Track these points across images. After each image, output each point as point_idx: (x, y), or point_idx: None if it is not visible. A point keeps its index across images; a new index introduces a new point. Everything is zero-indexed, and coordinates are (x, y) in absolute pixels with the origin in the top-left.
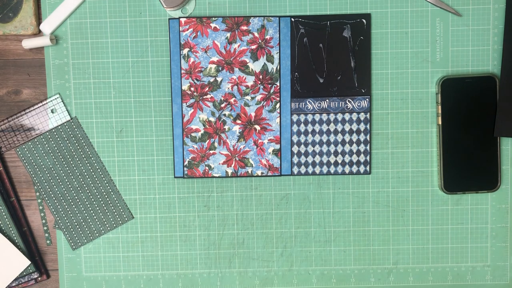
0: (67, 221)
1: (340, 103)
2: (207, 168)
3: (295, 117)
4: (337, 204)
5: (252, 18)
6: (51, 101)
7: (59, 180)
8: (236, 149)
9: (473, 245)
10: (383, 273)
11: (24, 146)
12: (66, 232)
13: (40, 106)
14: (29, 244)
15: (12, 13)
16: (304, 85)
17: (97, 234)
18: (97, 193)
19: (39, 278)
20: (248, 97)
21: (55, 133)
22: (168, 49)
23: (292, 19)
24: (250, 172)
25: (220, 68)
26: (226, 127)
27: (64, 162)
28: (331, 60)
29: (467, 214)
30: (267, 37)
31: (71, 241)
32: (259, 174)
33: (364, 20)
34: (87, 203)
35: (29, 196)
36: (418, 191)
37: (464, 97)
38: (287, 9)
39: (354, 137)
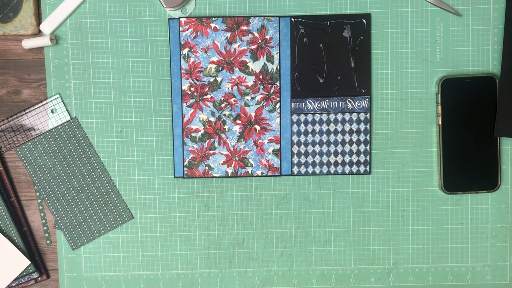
0: (67, 221)
1: (340, 103)
2: (207, 168)
3: (295, 117)
4: (337, 204)
5: (252, 18)
6: (51, 101)
7: (59, 180)
8: (236, 149)
9: (473, 245)
10: (383, 273)
11: (24, 146)
12: (66, 232)
13: (40, 106)
14: (29, 244)
15: (12, 13)
16: (304, 85)
17: (97, 234)
18: (97, 193)
19: (39, 278)
20: (248, 97)
21: (55, 133)
22: (168, 49)
23: (292, 19)
24: (250, 172)
25: (220, 68)
26: (226, 127)
27: (64, 162)
28: (331, 60)
29: (467, 214)
30: (267, 37)
31: (71, 241)
32: (259, 174)
33: (364, 20)
34: (87, 203)
35: (29, 196)
36: (418, 191)
37: (464, 97)
38: (287, 9)
39: (354, 137)
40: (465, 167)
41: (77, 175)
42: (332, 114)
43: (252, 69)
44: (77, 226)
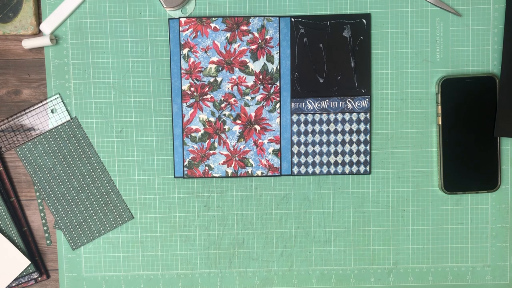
0: (67, 221)
1: (340, 103)
2: (207, 168)
3: (295, 117)
4: (337, 204)
5: (252, 18)
6: (51, 101)
7: (59, 180)
8: (236, 149)
9: (473, 245)
10: (383, 273)
11: (24, 146)
12: (66, 232)
13: (40, 106)
14: (29, 244)
15: (12, 13)
16: (304, 85)
17: (97, 234)
18: (97, 193)
19: (39, 278)
20: (248, 97)
21: (55, 133)
22: (168, 49)
23: (292, 19)
24: (250, 172)
25: (220, 68)
26: (226, 127)
27: (64, 162)
28: (331, 60)
29: (467, 214)
30: (267, 37)
31: (71, 241)
32: (259, 174)
33: (364, 20)
34: (87, 203)
35: (29, 196)
36: (418, 191)
37: (464, 97)
38: (287, 9)
39: (354, 137)
40: (465, 167)
41: (77, 175)
42: (332, 114)
43: (252, 69)
44: (77, 226)
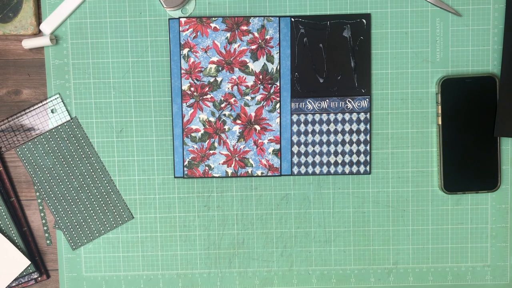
0: (67, 221)
1: (340, 103)
2: (207, 168)
3: (295, 117)
4: (337, 204)
5: (252, 18)
6: (51, 101)
7: (59, 180)
8: (236, 149)
9: (473, 245)
10: (383, 273)
11: (24, 146)
12: (66, 232)
13: (40, 106)
14: (29, 244)
15: (12, 13)
16: (304, 85)
17: (97, 234)
18: (97, 193)
19: (39, 278)
20: (248, 97)
21: (55, 133)
22: (168, 49)
23: (292, 19)
24: (250, 172)
25: (220, 68)
26: (226, 127)
27: (64, 162)
28: (331, 60)
29: (467, 214)
30: (267, 37)
31: (71, 241)
32: (259, 174)
33: (364, 20)
34: (87, 203)
35: (29, 196)
36: (418, 191)
37: (464, 97)
38: (287, 9)
39: (354, 137)
40: (465, 167)
41: (77, 175)
42: (332, 114)
43: (252, 69)
44: (77, 226)
